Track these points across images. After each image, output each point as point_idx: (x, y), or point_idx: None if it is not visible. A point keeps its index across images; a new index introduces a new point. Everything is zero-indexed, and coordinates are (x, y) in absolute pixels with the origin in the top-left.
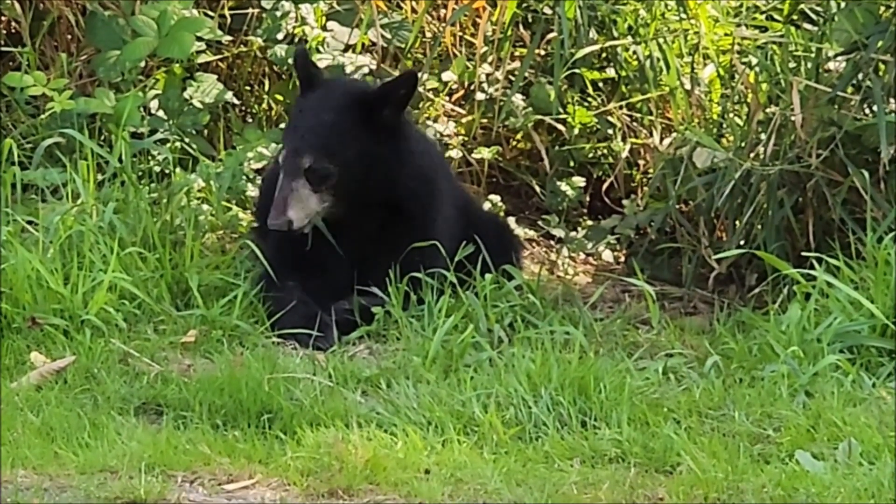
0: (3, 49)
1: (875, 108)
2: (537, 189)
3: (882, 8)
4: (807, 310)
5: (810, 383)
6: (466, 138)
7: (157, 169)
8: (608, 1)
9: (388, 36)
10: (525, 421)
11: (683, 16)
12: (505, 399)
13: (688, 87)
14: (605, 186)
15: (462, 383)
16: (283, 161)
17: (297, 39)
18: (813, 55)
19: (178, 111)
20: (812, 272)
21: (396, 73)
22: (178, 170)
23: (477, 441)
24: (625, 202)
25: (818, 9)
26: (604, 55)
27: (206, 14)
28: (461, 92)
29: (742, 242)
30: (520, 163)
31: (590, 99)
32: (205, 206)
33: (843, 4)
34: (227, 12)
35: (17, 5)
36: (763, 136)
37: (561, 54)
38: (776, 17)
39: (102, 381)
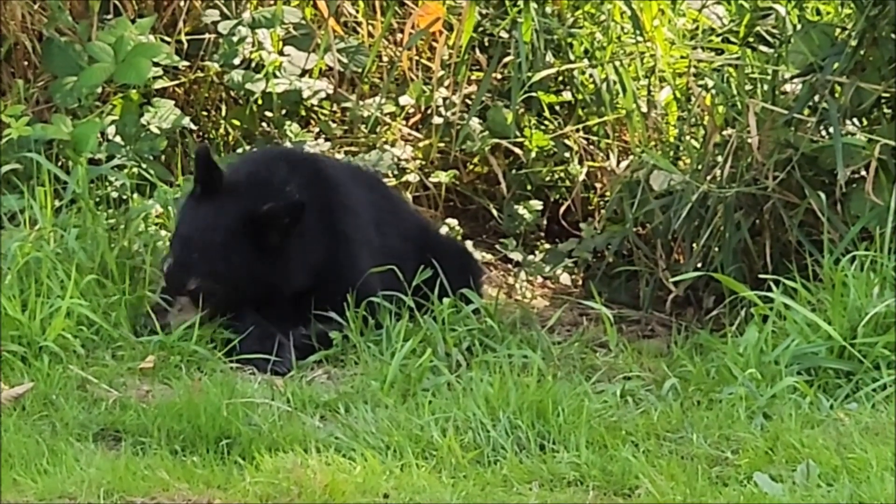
0: None
1: (831, 129)
2: (494, 213)
3: (837, 30)
4: (764, 332)
5: (768, 405)
6: (423, 162)
7: (115, 195)
8: (564, 24)
9: (345, 60)
10: (483, 445)
11: (640, 39)
12: (463, 423)
13: (644, 109)
14: (562, 210)
15: (420, 407)
16: (167, 271)
17: (253, 64)
18: (769, 77)
19: (135, 137)
20: (769, 294)
21: (353, 98)
22: (135, 196)
23: (435, 465)
24: (582, 225)
25: (774, 31)
26: (560, 78)
27: (162, 40)
28: (418, 116)
29: (699, 265)
30: (477, 186)
31: (547, 122)
32: (163, 232)
33: (798, 27)
34: (183, 38)
35: None
36: (720, 159)
37: (518, 78)
38: (732, 39)
39: (61, 408)
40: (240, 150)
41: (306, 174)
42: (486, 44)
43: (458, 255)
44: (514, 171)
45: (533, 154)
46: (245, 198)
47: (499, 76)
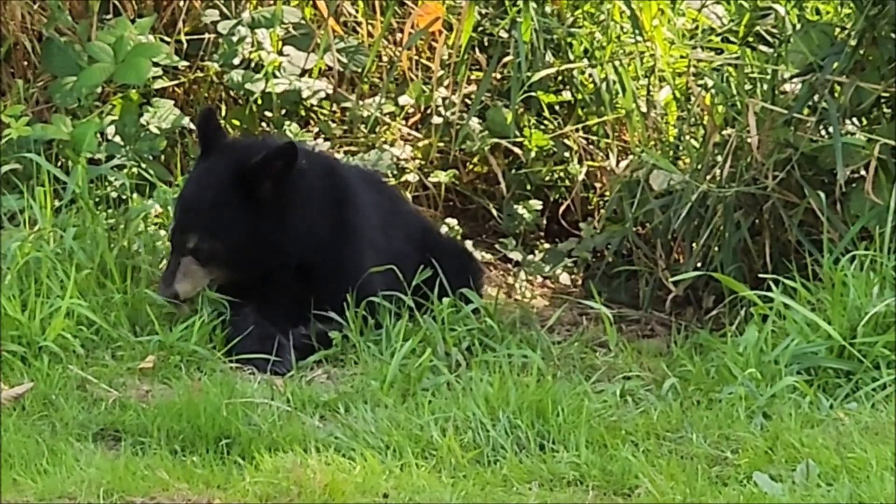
0: None
1: (831, 129)
2: (494, 212)
3: (837, 30)
4: (764, 331)
5: (768, 405)
6: (423, 162)
7: (115, 195)
8: (564, 24)
9: (345, 60)
10: (483, 444)
11: (639, 38)
12: (463, 423)
13: (644, 109)
14: (561, 209)
15: (420, 407)
16: (171, 234)
17: (253, 64)
18: (769, 77)
19: (134, 137)
20: (769, 294)
21: (353, 98)
22: (135, 196)
23: (435, 465)
24: (582, 225)
25: (774, 31)
26: (560, 78)
27: (162, 40)
28: (418, 116)
29: (699, 264)
30: (477, 186)
31: (546, 122)
32: (162, 232)
33: (798, 26)
34: (183, 38)
35: None
36: (719, 158)
37: (517, 77)
38: (732, 39)
39: (60, 408)
40: None
41: (320, 166)
42: (486, 43)
43: (458, 256)
44: (513, 171)
45: (532, 154)
46: (241, 153)
47: (498, 76)
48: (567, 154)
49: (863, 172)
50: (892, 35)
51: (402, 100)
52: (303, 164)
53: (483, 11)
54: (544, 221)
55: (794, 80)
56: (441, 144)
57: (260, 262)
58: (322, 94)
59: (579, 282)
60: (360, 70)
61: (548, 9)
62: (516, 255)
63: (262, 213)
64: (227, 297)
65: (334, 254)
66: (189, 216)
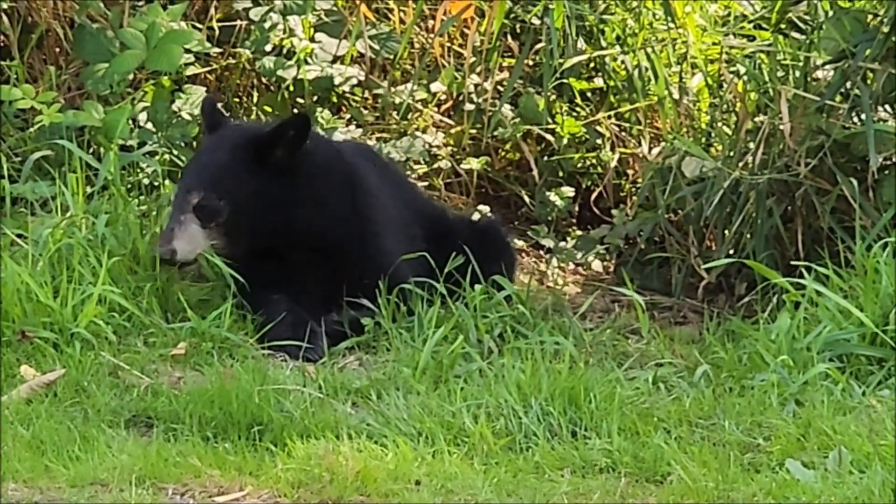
0: None
1: (863, 116)
2: (526, 199)
3: (869, 16)
4: (796, 319)
5: (800, 392)
6: (455, 149)
7: (146, 181)
8: (596, 10)
9: (377, 47)
10: (515, 431)
11: (671, 25)
12: (495, 409)
13: (676, 96)
14: (593, 196)
15: (452, 394)
16: (174, 198)
17: (285, 51)
18: (801, 64)
19: (166, 123)
20: (801, 281)
21: (385, 84)
22: (167, 182)
23: (467, 452)
24: (614, 212)
25: (806, 17)
26: (592, 65)
27: (194, 26)
28: (450, 102)
29: (731, 252)
30: (509, 173)
31: (578, 109)
32: None
33: (830, 13)
34: (215, 24)
35: (4, 18)
36: (751, 146)
37: (549, 64)
38: (764, 25)
39: (92, 394)
40: None
41: (329, 149)
42: (518, 30)
43: (493, 241)
44: (545, 158)
45: (565, 141)
46: (252, 127)
47: (530, 63)
48: (599, 141)
49: (895, 159)
50: None
51: (434, 87)
52: (308, 144)
53: None
54: (576, 208)
55: (827, 66)
56: (473, 131)
57: (264, 231)
58: (354, 81)
59: (611, 269)
60: (392, 57)
61: None
62: (548, 242)
63: (271, 179)
64: (258, 284)
65: (355, 238)
66: (196, 176)
